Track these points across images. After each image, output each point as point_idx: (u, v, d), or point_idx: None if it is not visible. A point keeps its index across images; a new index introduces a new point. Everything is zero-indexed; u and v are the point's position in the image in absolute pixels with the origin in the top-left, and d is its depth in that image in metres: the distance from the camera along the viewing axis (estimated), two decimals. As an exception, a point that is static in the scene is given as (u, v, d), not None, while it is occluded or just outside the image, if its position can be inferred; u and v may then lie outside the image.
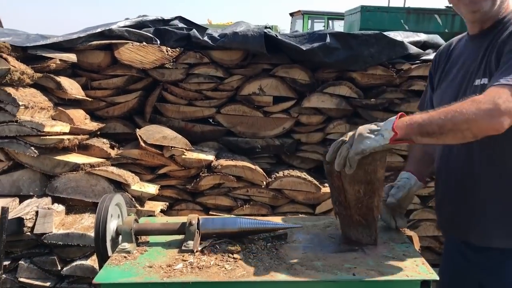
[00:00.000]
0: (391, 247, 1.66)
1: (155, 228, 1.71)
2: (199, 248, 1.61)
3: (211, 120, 3.42)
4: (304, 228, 1.83)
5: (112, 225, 1.67)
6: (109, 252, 1.61)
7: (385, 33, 3.13)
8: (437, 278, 1.47)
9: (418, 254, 1.63)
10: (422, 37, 3.39)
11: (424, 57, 3.24)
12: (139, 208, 2.74)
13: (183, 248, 1.60)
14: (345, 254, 1.59)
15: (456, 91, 1.67)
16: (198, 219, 1.67)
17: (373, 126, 1.47)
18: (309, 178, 3.03)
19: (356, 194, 1.60)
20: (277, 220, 1.89)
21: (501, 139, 1.44)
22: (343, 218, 1.71)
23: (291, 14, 14.48)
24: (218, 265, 1.49)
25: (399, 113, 1.47)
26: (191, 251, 1.58)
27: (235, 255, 1.55)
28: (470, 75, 1.63)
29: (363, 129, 1.48)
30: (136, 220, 1.73)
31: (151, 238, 1.73)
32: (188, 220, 1.65)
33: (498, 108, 1.35)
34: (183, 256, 1.56)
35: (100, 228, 1.58)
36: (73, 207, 2.76)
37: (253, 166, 3.03)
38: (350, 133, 1.52)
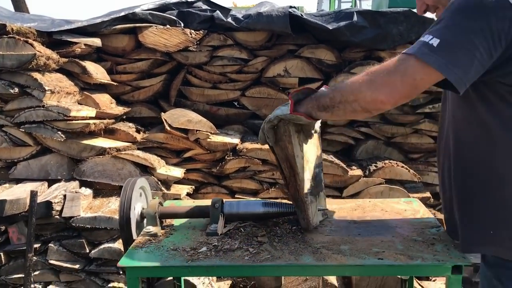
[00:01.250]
0: (421, 231, 1.61)
1: (180, 211, 1.70)
2: (224, 231, 1.59)
3: (236, 103, 3.39)
4: (330, 211, 1.79)
5: (137, 209, 1.66)
6: (134, 236, 1.61)
7: (414, 10, 3.01)
8: (470, 262, 1.41)
9: (449, 238, 1.57)
10: (454, 13, 3.25)
11: (456, 34, 3.11)
12: (165, 191, 2.74)
13: (207, 231, 1.59)
14: (373, 238, 1.54)
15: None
16: (222, 201, 1.65)
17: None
18: (336, 161, 2.97)
19: (285, 172, 1.60)
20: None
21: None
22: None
23: (318, -6, 14.20)
24: (243, 248, 1.47)
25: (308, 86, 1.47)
26: (216, 234, 1.57)
27: (260, 238, 1.53)
28: None
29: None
30: (161, 204, 1.72)
31: (176, 221, 1.73)
32: (212, 203, 1.63)
33: (383, 78, 1.22)
34: (207, 239, 1.55)
35: (125, 211, 1.58)
36: (100, 190, 2.79)
37: (278, 149, 2.98)
38: None
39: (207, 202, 1.72)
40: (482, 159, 1.31)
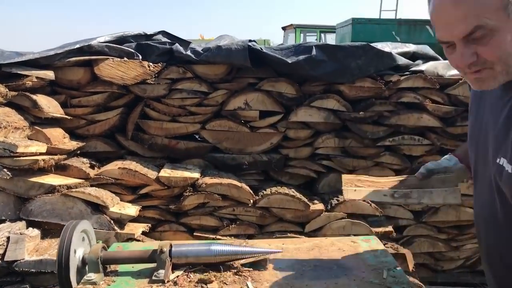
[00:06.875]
0: (378, 272, 1.54)
1: (124, 256, 1.59)
2: (171, 278, 1.49)
3: (197, 136, 3.31)
4: (286, 252, 1.71)
5: (77, 254, 1.54)
6: (73, 284, 1.48)
7: (372, 44, 3.04)
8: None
9: (406, 279, 1.51)
10: (411, 47, 3.31)
11: (413, 68, 3.16)
12: (119, 231, 2.61)
13: (153, 278, 1.48)
14: (328, 281, 1.47)
15: (479, 150, 1.30)
16: (171, 246, 1.55)
17: None
18: (298, 195, 2.91)
19: None
20: (257, 244, 1.77)
21: None
22: None
23: (283, 28, 14.48)
24: (190, 297, 1.37)
25: None
26: (162, 282, 1.46)
27: (209, 285, 1.44)
28: (491, 143, 1.21)
29: None
30: (104, 248, 1.60)
31: (121, 267, 1.61)
32: (159, 248, 1.53)
33: None
34: (152, 287, 1.44)
35: (63, 258, 1.46)
36: (49, 231, 2.63)
37: (239, 184, 2.91)
38: None
39: (157, 244, 1.61)
40: None
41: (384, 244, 2.85)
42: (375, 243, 1.79)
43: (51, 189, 2.59)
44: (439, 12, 1.06)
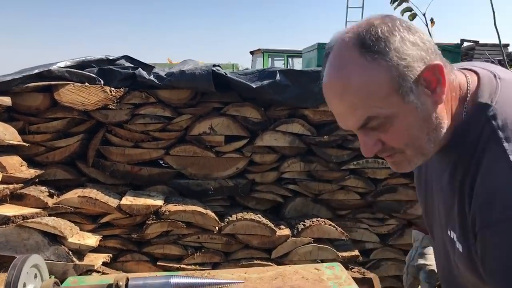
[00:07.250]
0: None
1: (77, 292, 1.51)
2: (127, 314, 1.42)
3: (161, 162, 3.25)
4: (248, 282, 1.67)
5: (27, 291, 1.45)
6: (22, 324, 1.39)
7: (335, 69, 3.08)
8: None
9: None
10: (373, 72, 3.37)
11: (376, 92, 3.20)
12: (77, 262, 2.51)
13: (108, 314, 1.41)
14: (292, 312, 1.43)
15: (429, 215, 1.23)
16: (127, 279, 1.48)
17: None
18: (264, 220, 2.88)
19: None
20: (219, 274, 1.72)
21: None
22: None
23: (252, 53, 14.66)
24: (146, 334, 1.30)
25: None
26: (117, 318, 1.39)
27: (167, 321, 1.37)
28: (440, 213, 1.12)
29: None
30: (57, 283, 1.52)
31: (75, 303, 1.53)
32: (115, 282, 1.46)
33: None
34: (107, 325, 1.37)
35: (10, 296, 1.37)
36: (2, 264, 2.49)
37: (203, 211, 2.85)
38: None
39: (112, 278, 1.54)
40: None
41: (351, 269, 2.85)
42: (339, 270, 1.77)
43: (5, 220, 2.48)
44: (328, 101, 1.01)
